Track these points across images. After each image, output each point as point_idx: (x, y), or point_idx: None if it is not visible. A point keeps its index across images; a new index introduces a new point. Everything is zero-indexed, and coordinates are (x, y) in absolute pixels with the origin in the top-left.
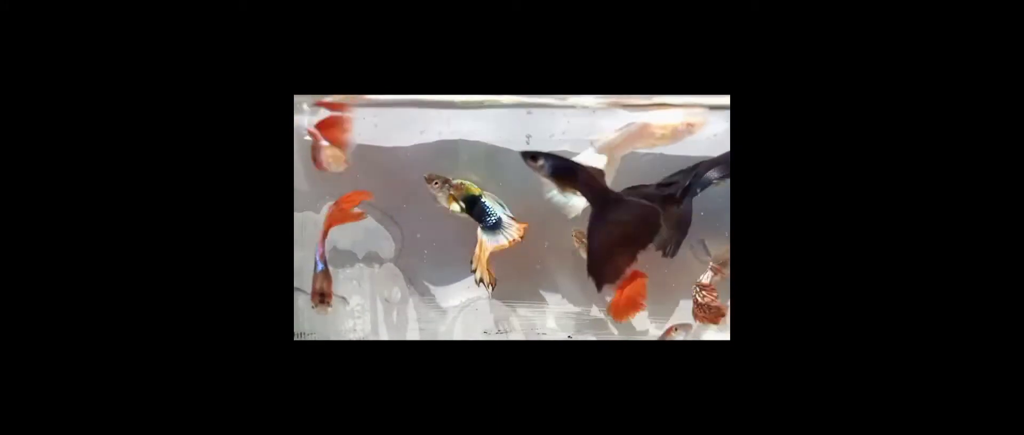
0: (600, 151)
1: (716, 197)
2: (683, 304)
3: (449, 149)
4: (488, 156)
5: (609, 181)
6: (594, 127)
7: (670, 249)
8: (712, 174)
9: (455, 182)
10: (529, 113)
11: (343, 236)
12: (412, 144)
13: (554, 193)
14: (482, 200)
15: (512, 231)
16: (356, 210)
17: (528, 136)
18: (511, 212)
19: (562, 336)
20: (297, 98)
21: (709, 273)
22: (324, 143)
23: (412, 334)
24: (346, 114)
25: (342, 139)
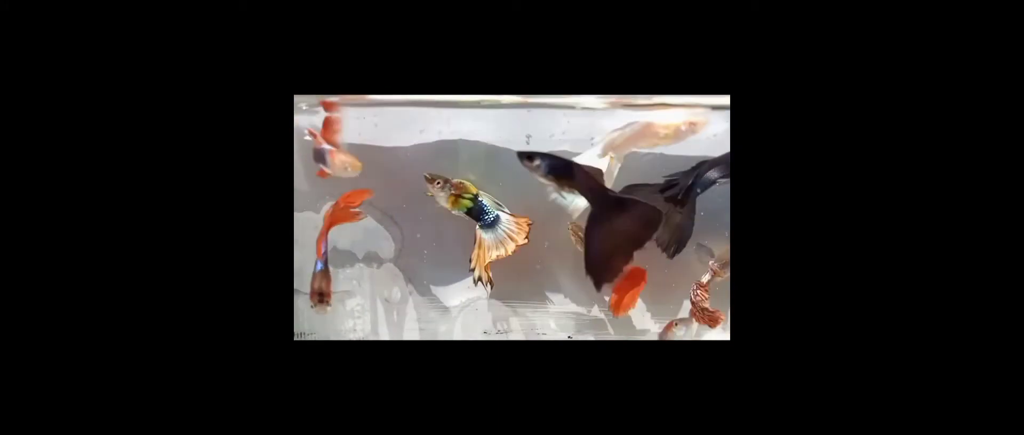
0: (602, 151)
1: (716, 197)
2: (685, 304)
3: (449, 149)
4: (488, 156)
5: (611, 181)
6: (594, 127)
7: (673, 249)
8: (712, 174)
9: (455, 181)
10: (529, 112)
11: (343, 236)
12: (412, 144)
13: (558, 194)
14: (479, 199)
15: (511, 228)
16: (356, 209)
17: (528, 136)
18: (508, 210)
19: (562, 336)
20: (297, 98)
21: (708, 274)
22: (331, 148)
23: (412, 334)
24: (336, 114)
25: (336, 141)
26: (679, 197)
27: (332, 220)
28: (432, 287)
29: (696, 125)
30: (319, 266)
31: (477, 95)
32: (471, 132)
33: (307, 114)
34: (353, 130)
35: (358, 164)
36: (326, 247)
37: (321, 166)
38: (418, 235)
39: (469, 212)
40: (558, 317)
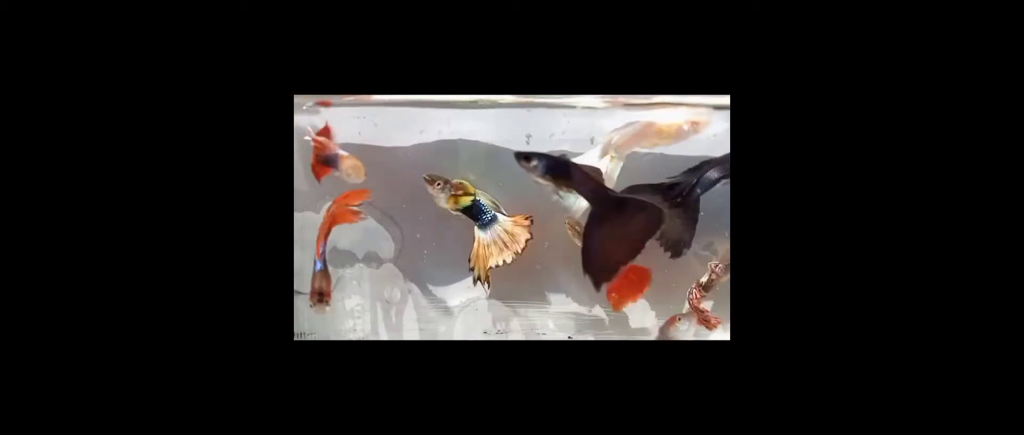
0: (604, 151)
1: (716, 197)
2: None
3: (449, 149)
4: (488, 156)
5: (612, 181)
6: (594, 127)
7: (676, 250)
8: (712, 174)
9: (455, 182)
10: (529, 112)
11: (343, 236)
12: (412, 144)
13: (556, 194)
14: (477, 198)
15: (508, 229)
16: (355, 209)
17: (528, 135)
18: (505, 212)
19: (562, 336)
20: (297, 98)
21: (707, 275)
22: (343, 153)
23: (412, 334)
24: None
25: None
26: (682, 197)
27: (332, 220)
28: (432, 287)
29: (698, 125)
30: (318, 266)
31: (476, 95)
32: (471, 132)
33: (307, 114)
34: (353, 130)
35: (363, 169)
36: (325, 247)
37: (328, 169)
38: (418, 235)
39: (468, 212)
40: (558, 317)
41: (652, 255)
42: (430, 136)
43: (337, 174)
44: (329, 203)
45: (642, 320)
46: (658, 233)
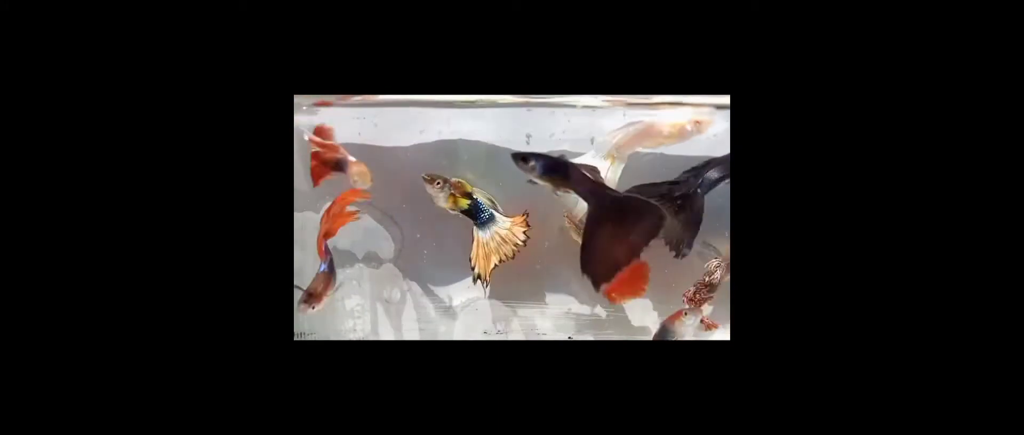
0: (606, 152)
1: (716, 197)
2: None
3: (449, 149)
4: (488, 156)
5: (615, 181)
6: (594, 127)
7: (681, 249)
8: (713, 174)
9: (454, 180)
10: (529, 112)
11: (343, 236)
12: (412, 144)
13: (555, 195)
14: (475, 197)
15: (506, 227)
16: (351, 209)
17: (528, 135)
18: (501, 210)
19: (562, 336)
20: (297, 98)
21: (706, 275)
22: (351, 159)
23: (412, 334)
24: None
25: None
26: (688, 195)
27: (332, 222)
28: (432, 287)
29: (701, 124)
30: (322, 267)
31: (474, 95)
32: (471, 132)
33: (307, 114)
34: (353, 130)
35: (370, 175)
36: (326, 248)
37: (326, 174)
38: (418, 235)
39: (466, 211)
40: (558, 317)
41: (652, 255)
42: (430, 136)
43: (347, 180)
44: (329, 203)
45: (643, 319)
46: (661, 233)
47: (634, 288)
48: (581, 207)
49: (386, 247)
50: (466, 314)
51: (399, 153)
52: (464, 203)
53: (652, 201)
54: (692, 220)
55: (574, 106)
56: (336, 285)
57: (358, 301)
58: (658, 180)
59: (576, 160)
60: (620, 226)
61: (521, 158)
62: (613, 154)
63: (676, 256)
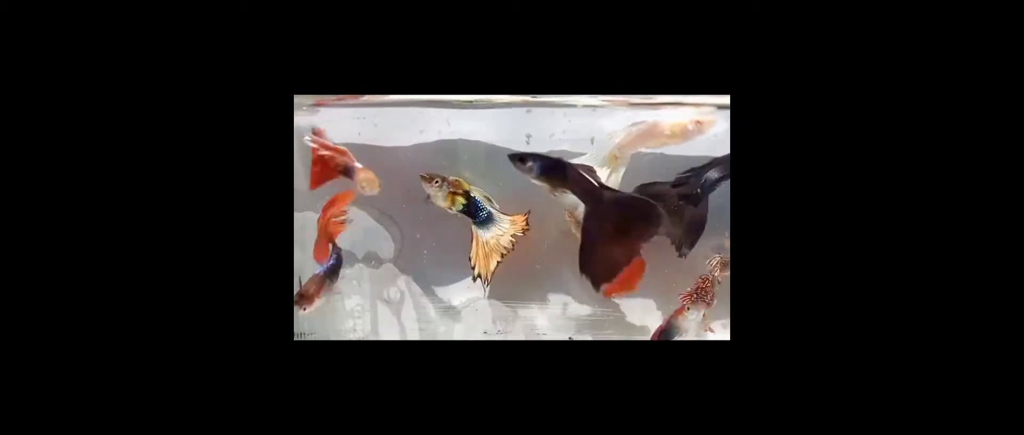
0: (609, 153)
1: (716, 196)
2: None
3: (449, 149)
4: (488, 156)
5: (617, 181)
6: (594, 127)
7: (686, 249)
8: (713, 174)
9: (451, 179)
10: (528, 112)
11: (343, 236)
12: (412, 144)
13: (552, 195)
14: (473, 196)
15: (505, 224)
16: (341, 220)
17: (528, 135)
18: (498, 207)
19: (562, 337)
20: (297, 98)
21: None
22: (358, 165)
23: (412, 334)
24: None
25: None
26: (693, 194)
27: (329, 231)
28: (432, 287)
29: (703, 124)
30: (319, 270)
31: (473, 95)
32: (471, 132)
33: (307, 114)
34: (353, 130)
35: (378, 182)
36: (335, 250)
37: (325, 178)
38: (418, 235)
39: (464, 209)
40: (557, 317)
41: (653, 255)
42: (430, 136)
43: (353, 186)
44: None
45: (643, 319)
46: (664, 232)
47: (628, 284)
48: (581, 205)
49: (386, 247)
50: (466, 314)
51: (399, 153)
52: (461, 201)
53: (649, 200)
54: (694, 220)
55: (574, 106)
56: (335, 288)
57: (358, 301)
58: (659, 180)
59: (575, 160)
60: (618, 225)
61: (518, 159)
62: (615, 154)
63: (680, 256)
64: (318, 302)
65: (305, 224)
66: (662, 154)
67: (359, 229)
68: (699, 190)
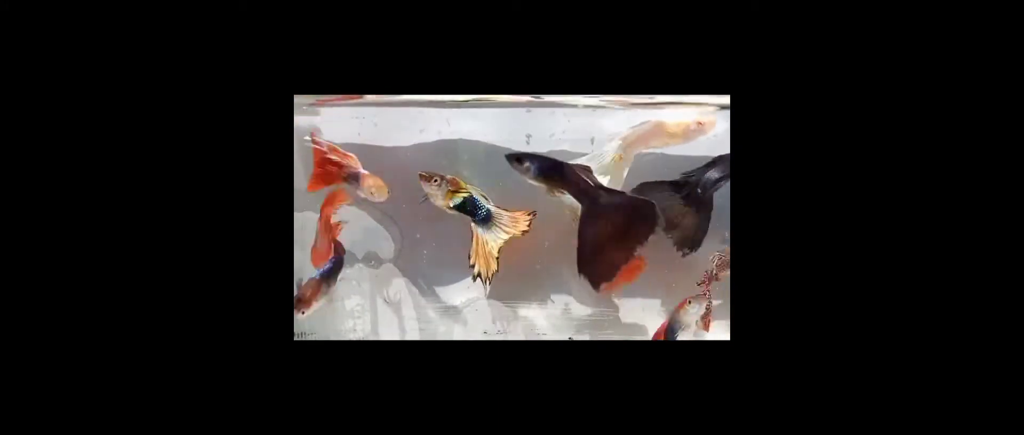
0: (614, 152)
1: (715, 196)
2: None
3: (449, 149)
4: (488, 156)
5: (620, 181)
6: (594, 127)
7: (687, 248)
8: (713, 174)
9: (450, 178)
10: (529, 112)
11: (343, 236)
12: (412, 144)
13: (550, 195)
14: (471, 194)
15: (504, 222)
16: (338, 222)
17: (528, 135)
18: (494, 204)
19: (562, 337)
20: (297, 98)
21: (705, 275)
22: (364, 171)
23: (412, 334)
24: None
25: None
26: (695, 194)
27: (330, 234)
28: (432, 287)
29: (705, 125)
30: (316, 273)
31: (472, 95)
32: (471, 132)
33: (307, 114)
34: (352, 130)
35: (385, 188)
36: (336, 252)
37: (325, 182)
38: (418, 235)
39: (461, 207)
40: (557, 317)
41: (653, 255)
42: (430, 136)
43: (360, 192)
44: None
45: (642, 318)
46: (665, 231)
47: (627, 279)
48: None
49: (386, 247)
50: (466, 314)
51: (399, 153)
52: (458, 198)
53: (647, 200)
54: (699, 219)
55: (574, 106)
56: (332, 291)
57: (358, 301)
58: (659, 180)
59: (575, 161)
60: (616, 225)
61: (516, 159)
62: (619, 154)
63: (682, 256)
64: (316, 305)
65: (305, 224)
66: (663, 154)
67: (359, 229)
68: (700, 190)
